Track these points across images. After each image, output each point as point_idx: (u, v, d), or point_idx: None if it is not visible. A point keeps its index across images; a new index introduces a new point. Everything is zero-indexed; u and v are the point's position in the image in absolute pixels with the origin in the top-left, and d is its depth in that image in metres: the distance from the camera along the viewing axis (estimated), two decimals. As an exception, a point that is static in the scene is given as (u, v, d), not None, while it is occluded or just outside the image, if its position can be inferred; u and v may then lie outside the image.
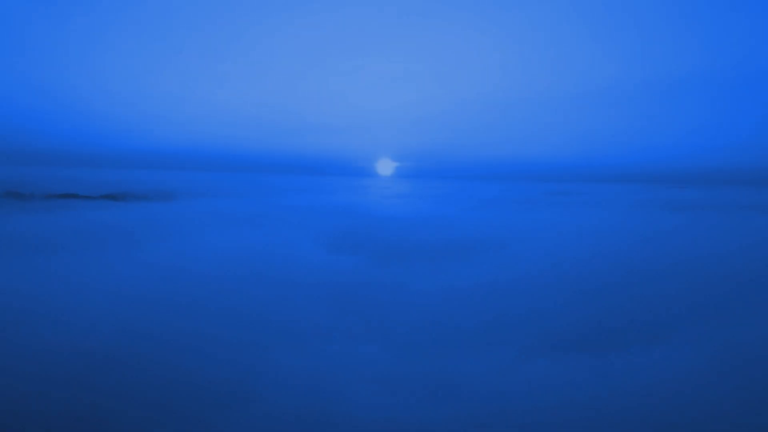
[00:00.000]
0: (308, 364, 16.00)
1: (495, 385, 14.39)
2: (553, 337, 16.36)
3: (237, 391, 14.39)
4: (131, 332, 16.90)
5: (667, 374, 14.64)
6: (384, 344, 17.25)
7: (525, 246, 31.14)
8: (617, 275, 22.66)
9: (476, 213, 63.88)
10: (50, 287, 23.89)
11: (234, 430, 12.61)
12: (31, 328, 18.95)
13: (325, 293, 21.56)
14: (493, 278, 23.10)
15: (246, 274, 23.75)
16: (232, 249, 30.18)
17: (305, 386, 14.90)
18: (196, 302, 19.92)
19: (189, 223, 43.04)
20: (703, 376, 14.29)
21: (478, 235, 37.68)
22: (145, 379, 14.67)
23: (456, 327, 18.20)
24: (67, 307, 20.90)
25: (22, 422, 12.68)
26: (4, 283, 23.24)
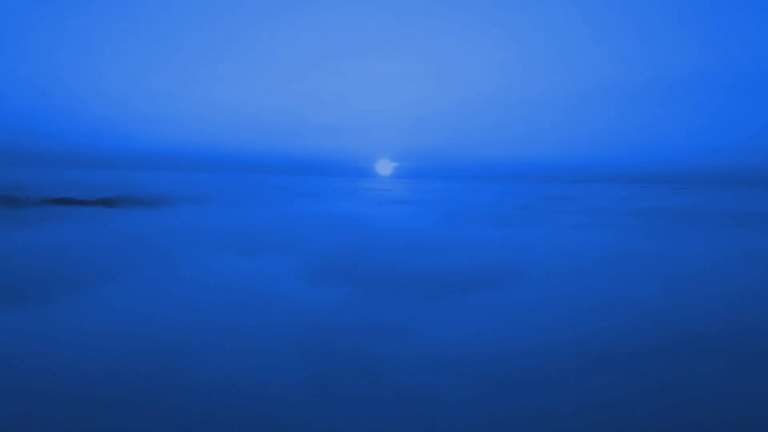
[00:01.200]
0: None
1: None
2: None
3: None
4: None
5: None
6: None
7: (531, 284, 26.92)
8: (647, 349, 17.90)
9: (474, 227, 59.96)
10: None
11: None
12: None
13: (302, 360, 17.43)
14: (497, 341, 18.90)
15: (207, 331, 19.53)
16: (202, 285, 26.09)
17: None
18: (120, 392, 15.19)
19: (173, 243, 39.25)
20: None
21: (477, 262, 33.69)
22: None
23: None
24: None
25: None
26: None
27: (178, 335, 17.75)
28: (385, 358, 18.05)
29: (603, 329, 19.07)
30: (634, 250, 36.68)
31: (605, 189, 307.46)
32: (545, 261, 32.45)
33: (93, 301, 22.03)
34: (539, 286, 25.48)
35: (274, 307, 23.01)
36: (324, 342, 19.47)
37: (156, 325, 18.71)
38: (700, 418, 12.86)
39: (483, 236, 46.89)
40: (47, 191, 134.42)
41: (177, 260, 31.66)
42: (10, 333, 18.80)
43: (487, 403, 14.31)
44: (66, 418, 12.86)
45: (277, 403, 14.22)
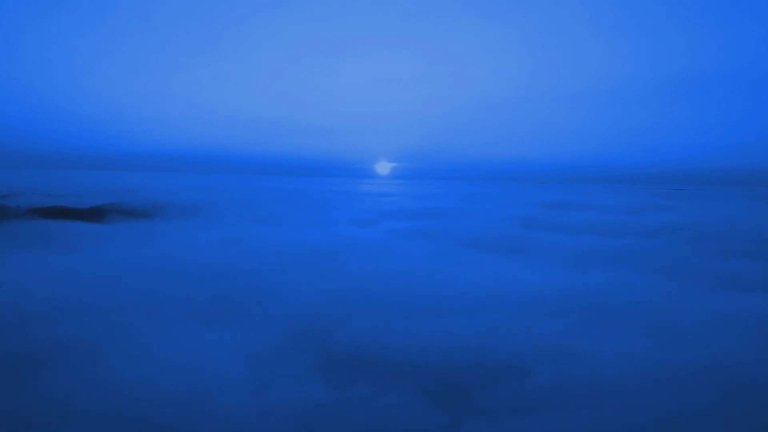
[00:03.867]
0: None
1: None
2: None
3: None
4: None
5: None
6: None
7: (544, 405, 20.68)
8: None
9: (472, 257, 54.27)
10: None
11: None
12: None
13: None
14: None
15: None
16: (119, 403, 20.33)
17: None
18: None
19: (118, 304, 33.21)
20: None
21: (473, 338, 27.81)
22: None
23: None
24: None
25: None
26: None
27: None
28: None
29: None
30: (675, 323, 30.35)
31: (610, 192, 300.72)
32: (555, 350, 26.32)
33: None
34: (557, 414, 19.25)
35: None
36: None
37: None
38: None
39: (481, 281, 41.03)
40: (38, 198, 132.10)
41: (103, 348, 25.77)
42: None
43: None
44: None
45: None
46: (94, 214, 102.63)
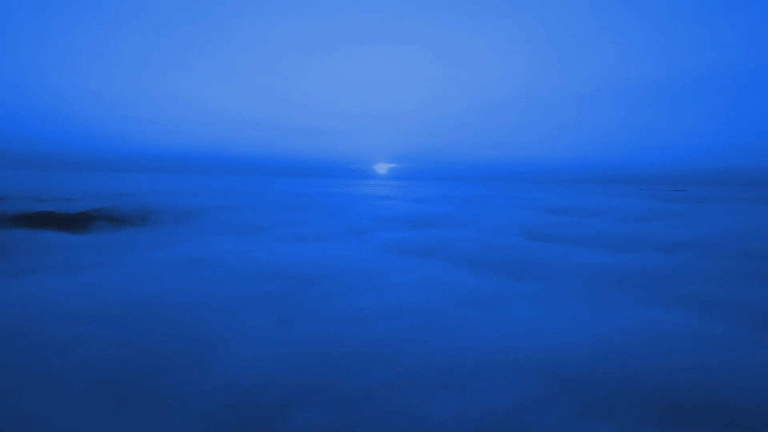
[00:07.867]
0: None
1: None
2: None
3: None
4: None
5: None
6: None
7: None
8: None
9: (478, 285, 46.58)
10: None
11: None
12: None
13: None
14: None
15: None
16: None
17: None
18: None
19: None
20: None
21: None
22: None
23: None
24: None
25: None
26: None
27: None
28: None
29: None
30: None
31: (612, 194, 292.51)
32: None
33: None
34: None
35: None
36: None
37: None
38: None
39: (484, 329, 33.10)
40: (27, 203, 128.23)
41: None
42: None
43: None
44: None
45: None
46: (80, 222, 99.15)
